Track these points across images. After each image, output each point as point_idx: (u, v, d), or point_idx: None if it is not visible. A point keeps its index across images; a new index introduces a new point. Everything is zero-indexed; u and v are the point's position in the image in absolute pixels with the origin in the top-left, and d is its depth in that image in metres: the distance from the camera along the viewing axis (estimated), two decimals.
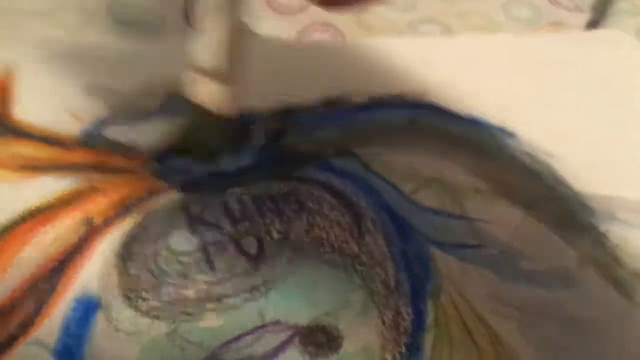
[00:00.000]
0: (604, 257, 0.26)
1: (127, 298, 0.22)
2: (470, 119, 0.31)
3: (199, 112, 0.26)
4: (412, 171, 0.28)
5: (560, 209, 0.27)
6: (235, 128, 0.29)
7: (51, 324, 0.21)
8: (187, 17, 0.34)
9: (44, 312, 0.21)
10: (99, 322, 0.21)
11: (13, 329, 0.21)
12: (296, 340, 0.21)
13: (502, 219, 0.26)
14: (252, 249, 0.24)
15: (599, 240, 0.26)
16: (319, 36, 0.36)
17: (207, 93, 0.26)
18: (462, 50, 0.35)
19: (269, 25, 0.36)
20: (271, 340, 0.21)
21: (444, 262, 0.24)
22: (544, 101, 0.32)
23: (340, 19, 0.37)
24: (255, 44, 0.29)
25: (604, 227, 0.26)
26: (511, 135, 0.30)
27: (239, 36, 0.25)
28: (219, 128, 0.27)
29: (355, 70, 0.33)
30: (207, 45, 0.25)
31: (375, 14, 0.38)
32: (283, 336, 0.21)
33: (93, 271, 0.23)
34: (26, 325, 0.21)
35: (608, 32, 0.37)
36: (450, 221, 0.26)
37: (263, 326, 0.21)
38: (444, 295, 0.23)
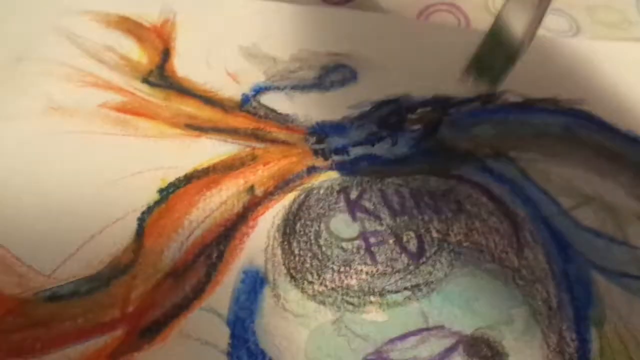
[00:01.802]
0: None
1: (293, 278, 0.22)
2: (632, 136, 0.29)
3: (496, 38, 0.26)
4: (570, 185, 0.27)
5: None
6: (392, 113, 0.28)
7: (222, 292, 0.21)
8: None
9: (214, 279, 0.22)
10: (267, 298, 0.21)
11: (188, 292, 0.21)
12: (460, 349, 0.21)
13: None
14: (412, 245, 0.24)
15: None
16: (441, 16, 0.34)
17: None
18: (625, 56, 0.33)
19: (392, 2, 0.34)
20: (436, 344, 0.21)
21: (606, 289, 0.23)
22: None
23: (466, 0, 0.35)
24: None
25: None
26: None
27: None
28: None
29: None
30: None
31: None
32: (447, 342, 0.21)
33: (258, 244, 0.23)
34: (199, 290, 0.21)
35: None
36: (613, 246, 0.25)
37: (427, 329, 0.21)
38: (608, 325, 0.22)
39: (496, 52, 0.26)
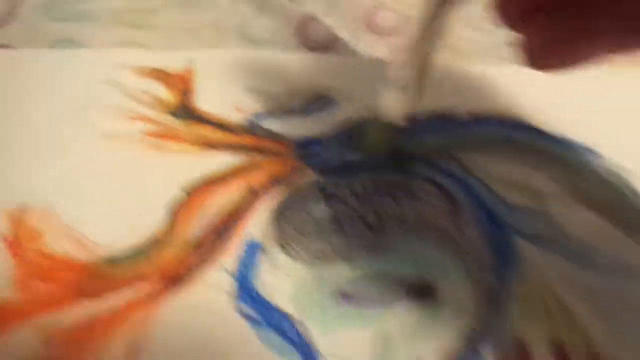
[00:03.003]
0: None
1: (282, 247, 0.30)
2: (560, 138, 0.36)
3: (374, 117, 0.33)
4: (505, 176, 0.34)
5: (632, 215, 0.32)
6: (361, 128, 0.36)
7: (231, 258, 0.29)
8: (301, 37, 0.41)
9: (226, 249, 0.30)
10: (263, 261, 0.29)
11: (207, 258, 0.29)
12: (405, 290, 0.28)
13: (580, 220, 0.32)
14: (374, 222, 0.31)
15: None
16: None
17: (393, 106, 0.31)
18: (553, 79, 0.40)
19: (366, 45, 0.41)
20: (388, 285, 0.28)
21: (526, 248, 0.30)
22: (624, 124, 0.36)
23: None
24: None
25: None
26: (593, 152, 0.35)
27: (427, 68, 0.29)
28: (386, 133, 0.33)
29: (461, 92, 0.39)
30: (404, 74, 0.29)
31: (458, 34, 0.41)
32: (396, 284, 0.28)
33: (257, 225, 0.31)
34: (215, 257, 0.29)
35: None
36: (534, 217, 0.32)
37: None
38: (527, 275, 0.29)
39: (378, 132, 0.33)
